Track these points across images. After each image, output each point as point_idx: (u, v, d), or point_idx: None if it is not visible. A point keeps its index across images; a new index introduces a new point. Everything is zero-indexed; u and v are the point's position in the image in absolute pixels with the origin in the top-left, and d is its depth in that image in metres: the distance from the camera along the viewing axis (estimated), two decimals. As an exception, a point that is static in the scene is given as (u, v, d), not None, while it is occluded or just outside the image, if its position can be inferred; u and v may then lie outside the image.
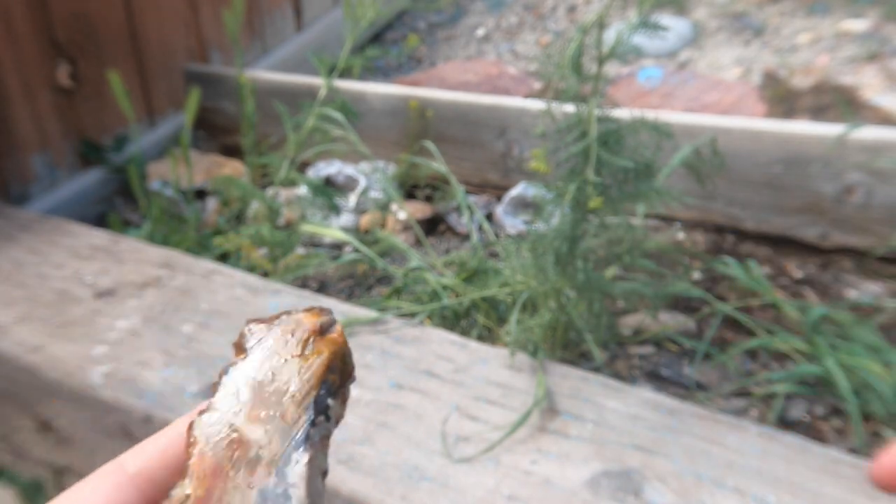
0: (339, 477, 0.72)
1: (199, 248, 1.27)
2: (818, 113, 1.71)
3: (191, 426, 0.29)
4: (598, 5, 2.43)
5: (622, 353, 1.08)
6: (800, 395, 0.98)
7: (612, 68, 1.96)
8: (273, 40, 2.00)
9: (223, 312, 0.97)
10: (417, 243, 1.38)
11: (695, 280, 1.21)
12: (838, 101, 1.69)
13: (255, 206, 1.37)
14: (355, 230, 1.41)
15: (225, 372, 0.30)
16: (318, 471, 0.29)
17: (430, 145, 1.42)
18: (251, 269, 1.19)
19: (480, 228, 1.35)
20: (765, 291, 1.11)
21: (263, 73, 1.67)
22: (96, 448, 0.90)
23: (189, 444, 0.28)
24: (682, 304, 1.16)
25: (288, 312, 0.32)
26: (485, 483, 0.71)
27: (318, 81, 1.52)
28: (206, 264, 1.07)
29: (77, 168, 1.50)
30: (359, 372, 0.82)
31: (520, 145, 1.42)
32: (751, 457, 0.73)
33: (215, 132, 1.72)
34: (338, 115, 1.30)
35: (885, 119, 1.60)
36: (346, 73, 1.36)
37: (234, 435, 0.29)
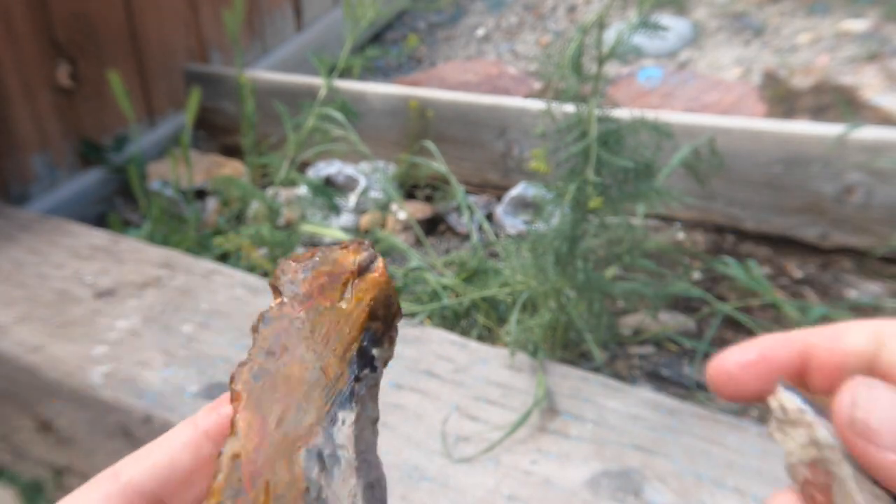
0: (339, 477, 0.72)
1: (199, 248, 1.27)
2: (818, 113, 1.71)
3: (232, 379, 0.27)
4: (598, 5, 2.43)
5: (622, 353, 1.08)
6: (800, 395, 0.98)
7: (612, 68, 1.96)
8: (273, 40, 2.00)
9: (223, 312, 0.97)
10: (417, 243, 1.38)
11: (695, 280, 1.21)
12: (838, 101, 1.69)
13: (255, 206, 1.37)
14: (355, 230, 1.41)
15: (262, 320, 0.28)
16: (367, 423, 0.28)
17: (430, 145, 1.42)
18: (251, 269, 1.19)
19: (480, 228, 1.35)
20: (765, 291, 1.11)
21: (263, 73, 1.67)
22: (96, 448, 0.90)
23: (232, 398, 0.27)
24: (682, 304, 1.16)
25: (322, 249, 0.29)
26: (485, 483, 0.71)
27: (318, 81, 1.52)
28: (206, 264, 1.07)
29: (77, 168, 1.50)
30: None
31: (520, 145, 1.42)
32: (751, 457, 0.73)
33: (215, 132, 1.72)
34: (338, 115, 1.30)
35: (885, 119, 1.60)
36: (346, 73, 1.36)
37: (279, 391, 0.27)
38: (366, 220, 1.42)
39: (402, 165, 1.48)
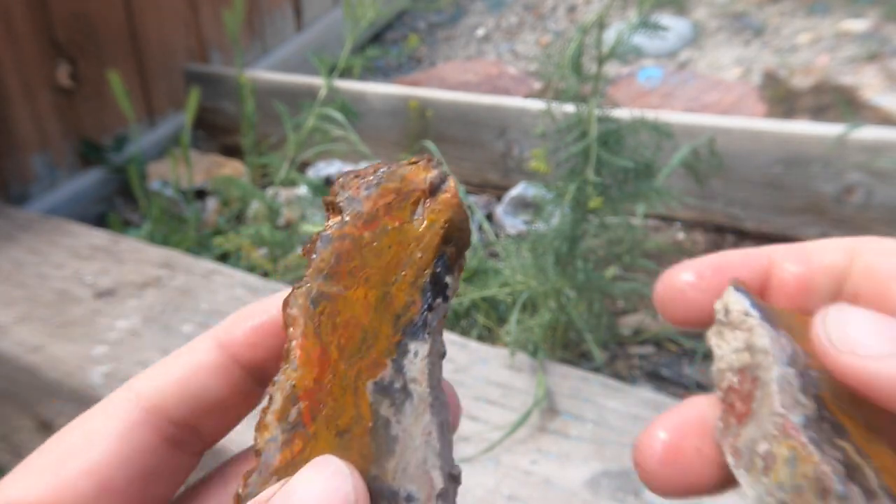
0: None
1: (199, 248, 1.27)
2: (818, 113, 1.71)
3: (286, 303, 0.25)
4: (598, 5, 2.43)
5: (622, 353, 1.08)
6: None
7: (612, 68, 1.96)
8: (273, 40, 2.00)
9: (223, 312, 0.97)
10: (417, 243, 1.37)
11: (695, 280, 1.21)
12: (838, 101, 1.69)
13: (255, 206, 1.37)
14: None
15: (319, 239, 0.25)
16: (437, 357, 0.25)
17: (430, 145, 1.42)
18: (251, 269, 1.19)
19: (480, 228, 1.35)
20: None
21: (263, 73, 1.67)
22: (96, 448, 0.90)
23: (286, 324, 0.25)
24: (682, 304, 1.16)
25: (387, 164, 0.26)
26: (485, 483, 0.71)
27: (318, 81, 1.52)
28: (206, 264, 1.07)
29: (77, 168, 1.50)
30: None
31: (520, 145, 1.42)
32: None
33: (215, 132, 1.72)
34: (338, 115, 1.30)
35: (885, 119, 1.60)
36: (346, 73, 1.36)
37: (340, 317, 0.24)
38: (366, 220, 1.42)
39: (402, 165, 1.48)
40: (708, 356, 1.04)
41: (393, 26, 2.52)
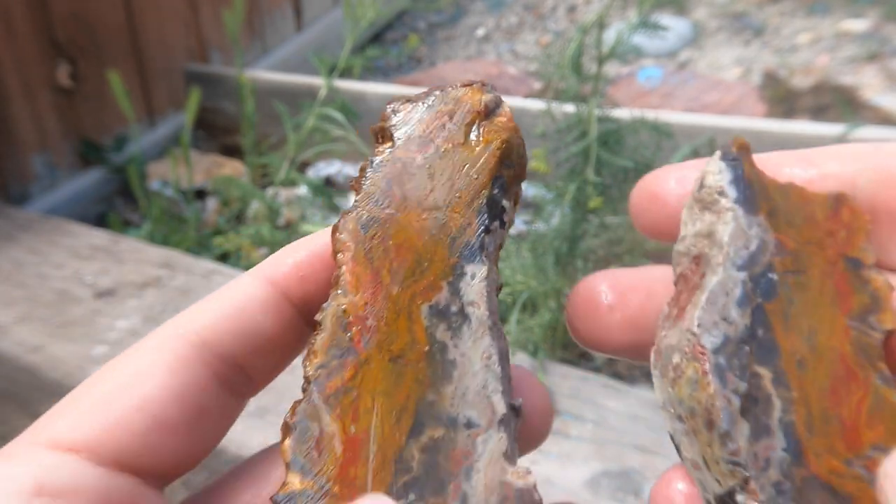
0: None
1: (199, 248, 1.27)
2: (818, 113, 1.71)
3: (335, 229, 0.24)
4: (598, 5, 2.43)
5: (622, 353, 1.08)
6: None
7: (612, 68, 1.96)
8: (273, 40, 2.00)
9: (223, 312, 0.97)
10: (417, 243, 1.37)
11: (695, 280, 1.21)
12: (838, 101, 1.69)
13: (255, 206, 1.37)
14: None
15: (369, 165, 0.25)
16: (493, 285, 0.24)
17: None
18: (251, 269, 1.19)
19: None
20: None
21: (263, 73, 1.67)
22: (96, 448, 0.90)
23: (336, 250, 0.24)
24: (682, 304, 1.15)
25: (440, 88, 0.26)
26: (485, 483, 0.71)
27: (318, 81, 1.52)
28: (206, 264, 1.07)
29: (77, 168, 1.50)
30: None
31: (520, 145, 1.42)
32: None
33: (215, 132, 1.72)
34: (338, 115, 1.30)
35: (885, 119, 1.60)
36: (346, 73, 1.36)
37: (392, 240, 0.24)
38: (366, 220, 1.42)
39: (402, 165, 1.48)
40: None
41: (393, 26, 2.52)
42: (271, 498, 0.22)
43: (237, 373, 0.25)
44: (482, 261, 0.24)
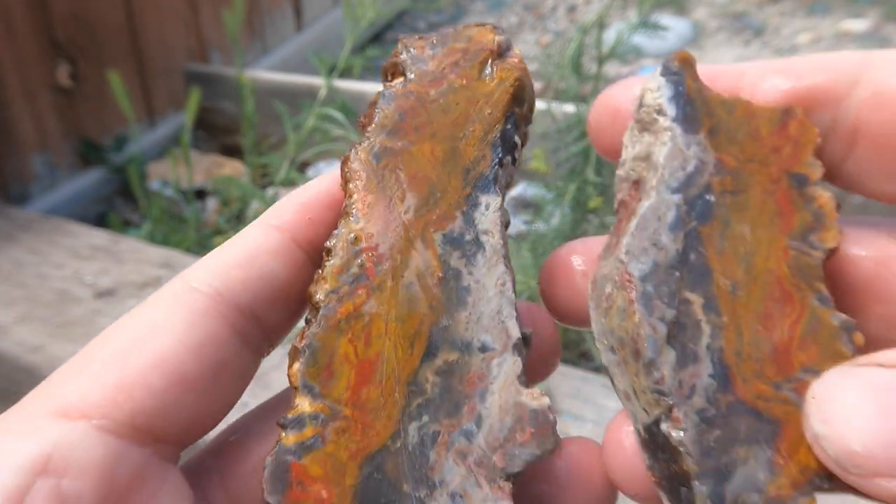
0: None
1: (199, 248, 1.27)
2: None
3: (346, 160, 0.24)
4: (598, 5, 2.43)
5: (622, 353, 1.08)
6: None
7: (612, 68, 1.96)
8: (273, 40, 2.00)
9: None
10: (417, 243, 1.37)
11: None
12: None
13: (255, 206, 1.37)
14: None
15: (381, 98, 0.25)
16: (503, 219, 0.24)
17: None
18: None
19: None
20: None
21: (263, 73, 1.67)
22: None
23: (346, 180, 0.24)
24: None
25: (453, 26, 0.26)
26: (485, 483, 0.71)
27: (318, 81, 1.52)
28: (206, 264, 1.07)
29: (77, 168, 1.50)
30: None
31: (520, 145, 1.42)
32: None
33: (215, 132, 1.72)
34: (338, 115, 1.30)
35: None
36: (346, 73, 1.36)
37: (405, 171, 0.24)
38: (366, 220, 1.42)
39: (402, 165, 1.48)
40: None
41: (393, 26, 2.52)
42: (278, 421, 0.22)
43: (253, 325, 0.24)
44: (496, 192, 0.24)
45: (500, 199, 0.24)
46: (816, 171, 0.23)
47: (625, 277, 0.22)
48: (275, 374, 0.68)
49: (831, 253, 0.22)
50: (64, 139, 1.47)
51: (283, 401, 0.26)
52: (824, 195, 0.23)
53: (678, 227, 0.22)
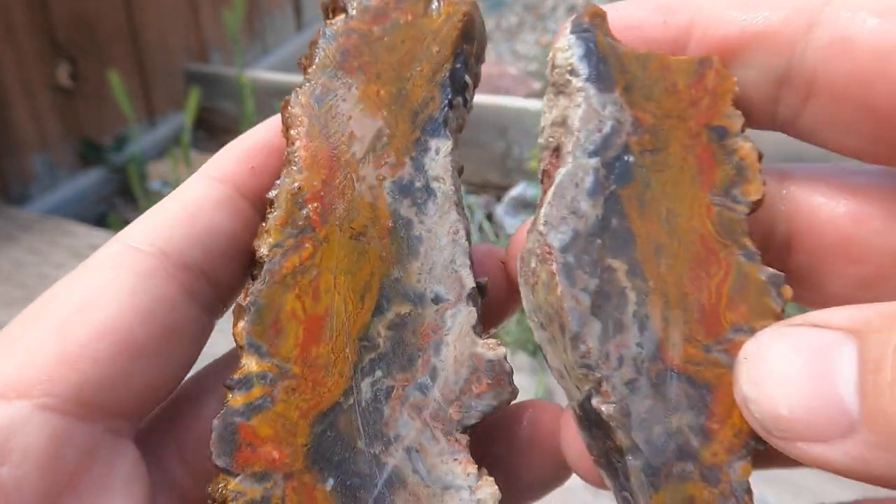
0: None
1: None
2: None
3: (286, 104, 0.23)
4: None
5: (622, 353, 1.08)
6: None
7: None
8: (273, 40, 2.00)
9: (223, 312, 0.97)
10: (417, 243, 1.38)
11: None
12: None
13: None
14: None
15: (321, 37, 0.24)
16: (455, 164, 0.23)
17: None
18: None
19: (480, 228, 1.35)
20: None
21: (263, 73, 1.67)
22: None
23: (287, 126, 0.23)
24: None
25: None
26: (485, 483, 0.71)
27: (318, 81, 1.52)
28: (206, 264, 1.07)
29: (77, 168, 1.50)
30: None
31: (520, 145, 1.42)
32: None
33: (215, 132, 1.72)
34: (338, 115, 1.30)
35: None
36: (346, 73, 1.36)
37: (349, 115, 0.23)
38: (366, 220, 1.42)
39: (402, 165, 1.48)
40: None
41: (393, 26, 2.52)
42: (224, 383, 0.21)
43: (203, 283, 0.23)
44: (446, 135, 0.23)
45: (451, 142, 0.23)
46: (736, 121, 0.22)
47: (545, 250, 0.21)
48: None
49: (756, 206, 0.22)
50: (64, 139, 1.47)
51: (236, 357, 0.25)
52: (745, 146, 0.22)
53: (597, 192, 0.21)
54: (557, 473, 0.24)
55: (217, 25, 1.78)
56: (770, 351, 0.18)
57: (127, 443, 0.21)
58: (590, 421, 0.21)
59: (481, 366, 0.22)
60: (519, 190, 1.39)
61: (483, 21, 0.24)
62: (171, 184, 1.44)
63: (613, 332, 0.20)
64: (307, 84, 0.23)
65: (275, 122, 0.24)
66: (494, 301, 0.24)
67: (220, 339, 0.24)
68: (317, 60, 0.23)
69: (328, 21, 0.24)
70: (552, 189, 0.21)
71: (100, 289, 0.21)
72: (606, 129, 0.21)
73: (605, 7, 0.22)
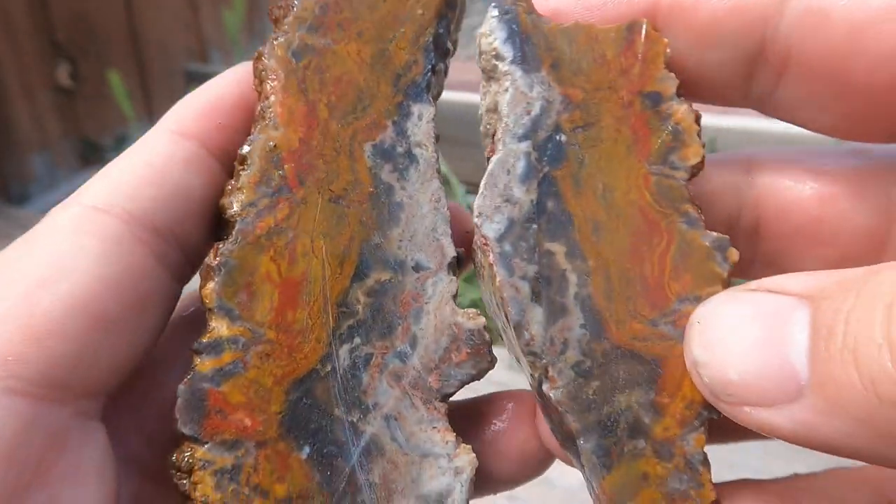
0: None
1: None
2: (818, 113, 1.71)
3: (259, 55, 0.22)
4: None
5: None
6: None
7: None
8: (273, 40, 2.00)
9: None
10: (417, 243, 1.37)
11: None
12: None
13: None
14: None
15: None
16: (436, 134, 0.23)
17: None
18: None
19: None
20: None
21: (263, 73, 1.67)
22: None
23: (261, 79, 0.22)
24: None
25: None
26: (485, 483, 0.71)
27: (318, 81, 1.52)
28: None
29: (77, 168, 1.50)
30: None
31: (520, 145, 1.42)
32: (751, 457, 0.73)
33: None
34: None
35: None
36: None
37: (328, 72, 0.22)
38: (366, 220, 1.42)
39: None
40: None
41: (393, 26, 2.52)
42: (191, 347, 0.20)
43: (174, 248, 0.21)
44: (429, 101, 0.22)
45: (433, 109, 0.22)
46: (670, 85, 0.21)
47: (482, 241, 0.21)
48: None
49: (696, 170, 0.21)
50: (64, 139, 1.47)
51: (188, 318, 0.24)
52: (680, 109, 0.21)
53: (530, 176, 0.21)
54: (537, 462, 0.24)
55: (217, 25, 1.77)
56: (723, 315, 0.18)
57: (96, 425, 0.20)
58: (547, 407, 0.21)
59: (461, 335, 0.22)
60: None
61: None
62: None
63: (556, 317, 0.20)
64: (282, 36, 0.22)
65: (238, 74, 0.23)
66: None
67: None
68: (294, 11, 0.22)
69: None
70: (483, 179, 0.21)
71: (64, 257, 0.19)
72: (535, 110, 0.21)
73: None
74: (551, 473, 0.81)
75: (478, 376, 0.22)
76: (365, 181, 0.22)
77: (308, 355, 0.21)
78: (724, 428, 0.20)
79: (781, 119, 0.22)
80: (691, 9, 0.20)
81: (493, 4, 0.22)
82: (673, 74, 0.21)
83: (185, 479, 0.20)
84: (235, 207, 0.21)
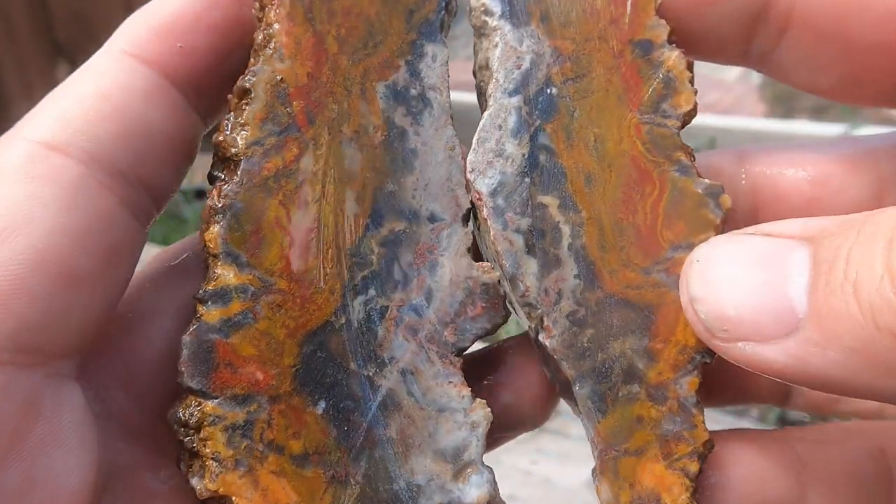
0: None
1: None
2: (818, 113, 1.71)
3: None
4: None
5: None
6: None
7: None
8: (273, 40, 2.00)
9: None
10: (417, 243, 1.37)
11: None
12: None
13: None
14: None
15: None
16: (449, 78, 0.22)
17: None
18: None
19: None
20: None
21: (263, 73, 1.67)
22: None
23: (262, 3, 0.20)
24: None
25: None
26: (485, 483, 0.71)
27: (318, 81, 1.52)
28: (206, 264, 1.07)
29: (77, 168, 1.50)
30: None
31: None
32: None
33: (214, 130, 1.72)
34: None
35: (885, 119, 1.60)
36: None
37: (335, 4, 0.20)
38: (366, 220, 1.42)
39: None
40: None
41: (393, 26, 2.52)
42: (195, 295, 0.19)
43: (140, 192, 0.19)
44: (442, 42, 0.21)
45: (447, 50, 0.21)
46: (661, 32, 0.21)
47: (475, 196, 0.21)
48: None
49: (688, 118, 0.21)
50: (64, 139, 1.47)
51: (176, 268, 0.22)
52: (672, 56, 0.21)
53: (521, 130, 0.21)
54: (545, 403, 0.24)
55: (217, 25, 1.78)
56: (723, 254, 0.18)
57: (72, 385, 0.19)
58: (544, 356, 0.22)
59: (477, 288, 0.22)
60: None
61: None
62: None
63: (550, 268, 0.20)
64: None
65: None
66: None
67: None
68: None
69: None
70: (476, 134, 0.21)
71: (23, 207, 0.17)
72: (525, 64, 0.21)
73: None
74: (551, 474, 0.82)
75: (492, 331, 0.22)
76: (378, 124, 0.20)
77: (322, 307, 0.20)
78: (711, 391, 0.21)
79: (778, 79, 0.22)
80: None
81: None
82: (664, 21, 0.21)
83: (191, 434, 0.19)
84: (240, 145, 0.20)
